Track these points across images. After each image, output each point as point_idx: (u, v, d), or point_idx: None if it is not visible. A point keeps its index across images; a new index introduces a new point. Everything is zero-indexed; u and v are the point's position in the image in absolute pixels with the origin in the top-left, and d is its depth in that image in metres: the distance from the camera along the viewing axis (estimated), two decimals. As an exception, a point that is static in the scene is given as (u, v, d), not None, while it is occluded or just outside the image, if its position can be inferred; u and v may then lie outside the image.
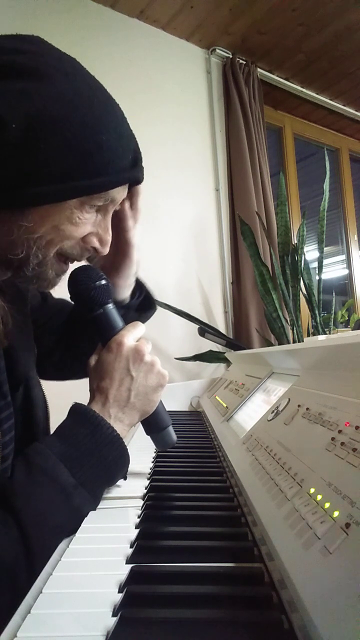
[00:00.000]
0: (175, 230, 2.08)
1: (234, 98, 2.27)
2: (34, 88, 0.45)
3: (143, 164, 0.57)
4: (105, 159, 0.49)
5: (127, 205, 0.62)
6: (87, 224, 0.52)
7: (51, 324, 0.77)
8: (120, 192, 0.55)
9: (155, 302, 0.77)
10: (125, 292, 0.71)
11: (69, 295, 0.60)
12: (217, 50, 2.31)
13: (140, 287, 0.76)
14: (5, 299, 0.53)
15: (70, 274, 0.59)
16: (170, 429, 0.63)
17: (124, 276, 0.68)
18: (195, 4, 2.02)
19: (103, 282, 0.59)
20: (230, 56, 2.32)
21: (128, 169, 0.53)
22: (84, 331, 0.75)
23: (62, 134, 0.45)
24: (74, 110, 0.46)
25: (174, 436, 0.64)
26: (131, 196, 0.61)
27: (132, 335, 0.59)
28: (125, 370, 0.57)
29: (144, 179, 0.58)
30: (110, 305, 0.60)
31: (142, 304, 0.76)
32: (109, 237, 0.56)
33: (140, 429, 0.64)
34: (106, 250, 0.56)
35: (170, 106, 2.14)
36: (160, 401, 0.61)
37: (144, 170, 0.57)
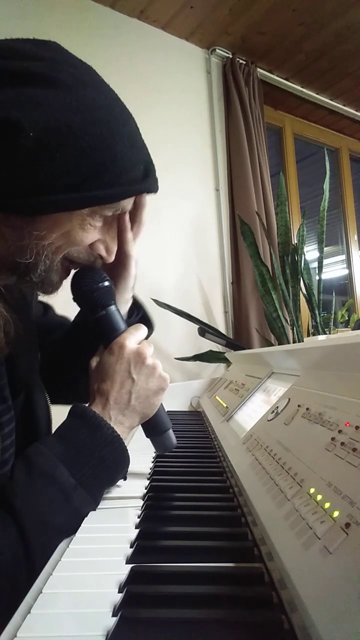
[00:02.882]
0: (175, 230, 2.08)
1: (234, 98, 2.27)
2: (52, 96, 0.45)
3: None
4: (119, 169, 0.49)
5: (127, 217, 0.62)
6: (96, 231, 0.53)
7: (47, 339, 0.75)
8: (130, 203, 0.55)
9: (152, 324, 0.75)
10: (122, 308, 0.69)
11: (72, 297, 0.60)
12: (217, 50, 2.31)
13: (137, 307, 0.74)
14: (8, 306, 0.53)
15: (74, 275, 0.59)
16: (171, 432, 0.63)
17: (122, 290, 0.67)
18: (195, 4, 2.02)
19: (106, 283, 0.59)
20: (230, 56, 2.32)
21: (140, 180, 0.53)
22: (77, 353, 0.73)
23: (78, 144, 0.45)
24: (90, 121, 0.46)
25: (174, 440, 0.64)
26: (135, 209, 0.61)
27: (134, 337, 0.59)
28: (127, 373, 0.57)
29: (158, 190, 0.57)
30: (113, 307, 0.60)
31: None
32: (115, 246, 0.57)
33: (140, 429, 0.64)
34: (112, 258, 0.57)
35: (170, 106, 2.14)
36: (161, 404, 0.61)
37: (157, 182, 0.56)
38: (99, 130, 0.47)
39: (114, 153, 0.48)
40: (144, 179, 0.53)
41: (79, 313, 0.78)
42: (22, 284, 0.53)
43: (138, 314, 0.74)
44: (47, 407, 0.67)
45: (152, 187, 0.56)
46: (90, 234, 0.52)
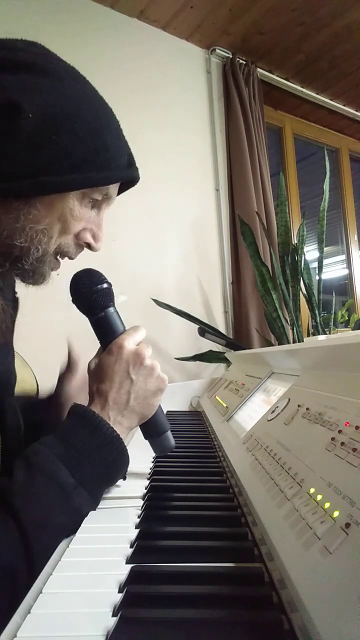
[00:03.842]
0: (175, 230, 2.08)
1: (234, 98, 2.27)
2: (49, 85, 0.48)
3: (143, 164, 0.61)
4: (109, 155, 0.53)
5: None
6: (83, 219, 0.55)
7: None
8: (115, 190, 0.59)
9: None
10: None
11: (71, 298, 0.60)
12: (217, 50, 2.31)
13: None
14: (2, 296, 0.54)
15: (73, 277, 0.60)
16: (169, 433, 0.63)
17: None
18: (195, 4, 2.02)
19: (105, 285, 0.60)
20: (230, 56, 2.32)
21: (125, 168, 0.57)
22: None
23: (73, 129, 0.49)
24: (83, 109, 0.50)
25: (172, 441, 0.64)
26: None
27: (133, 338, 0.59)
28: (125, 374, 0.57)
29: (139, 179, 0.61)
30: (112, 309, 0.60)
31: None
32: (101, 233, 0.59)
33: (139, 431, 0.64)
34: (99, 245, 0.59)
35: (170, 106, 2.14)
36: (159, 406, 0.61)
37: (138, 171, 0.60)
38: (90, 118, 0.51)
39: (104, 140, 0.52)
40: (128, 168, 0.58)
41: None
42: (14, 271, 0.54)
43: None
44: (20, 434, 0.59)
45: (135, 176, 0.60)
46: (78, 221, 0.55)
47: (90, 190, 0.53)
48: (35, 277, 0.55)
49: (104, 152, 0.52)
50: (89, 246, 0.58)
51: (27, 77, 0.47)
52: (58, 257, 0.57)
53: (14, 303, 0.63)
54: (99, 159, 0.52)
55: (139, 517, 0.48)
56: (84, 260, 0.61)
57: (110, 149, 0.53)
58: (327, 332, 2.00)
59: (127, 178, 0.58)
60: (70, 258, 0.58)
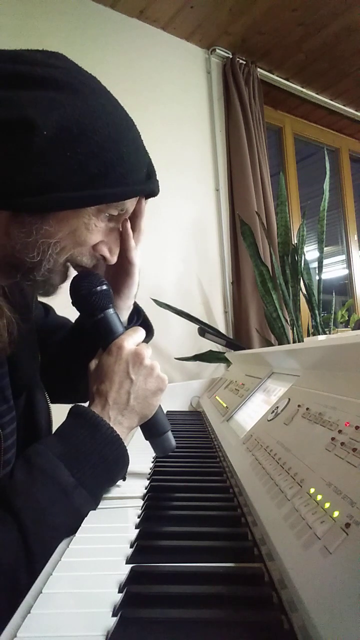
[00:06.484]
0: (175, 230, 2.08)
1: (234, 98, 2.27)
2: (66, 100, 0.47)
3: None
4: (125, 170, 0.51)
5: (129, 225, 0.64)
6: (100, 232, 0.55)
7: (49, 340, 0.76)
8: (133, 204, 0.58)
9: (152, 329, 0.76)
10: (124, 314, 0.70)
11: (71, 300, 0.60)
12: (217, 50, 2.31)
13: (138, 312, 0.75)
14: (11, 306, 0.54)
15: (72, 279, 0.60)
16: (170, 434, 0.63)
17: (125, 297, 0.68)
18: (195, 4, 2.02)
19: (104, 287, 0.60)
20: (230, 56, 2.32)
21: (143, 182, 0.55)
22: (78, 354, 0.74)
23: (88, 144, 0.48)
24: (100, 123, 0.49)
25: (173, 442, 0.64)
26: (135, 217, 0.63)
27: (133, 339, 0.60)
28: (125, 374, 0.57)
29: (159, 192, 0.60)
30: (111, 310, 0.61)
31: None
32: (117, 247, 0.59)
33: (140, 432, 0.64)
34: (114, 259, 0.59)
35: (170, 106, 2.14)
36: (160, 406, 0.61)
37: (158, 184, 0.59)
38: (107, 132, 0.49)
39: (120, 154, 0.50)
40: (146, 181, 0.56)
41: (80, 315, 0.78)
42: (25, 282, 0.54)
43: (138, 320, 0.75)
44: (48, 407, 0.67)
45: (155, 189, 0.58)
46: (94, 234, 0.54)
47: (105, 206, 0.52)
48: (46, 287, 0.55)
49: (119, 166, 0.50)
50: (104, 259, 0.57)
51: (44, 93, 0.47)
52: (70, 266, 0.56)
53: (27, 312, 0.63)
54: (114, 174, 0.50)
55: (139, 517, 0.48)
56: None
57: (126, 162, 0.51)
58: (327, 332, 2.00)
59: (144, 193, 0.57)
60: (86, 267, 0.58)
